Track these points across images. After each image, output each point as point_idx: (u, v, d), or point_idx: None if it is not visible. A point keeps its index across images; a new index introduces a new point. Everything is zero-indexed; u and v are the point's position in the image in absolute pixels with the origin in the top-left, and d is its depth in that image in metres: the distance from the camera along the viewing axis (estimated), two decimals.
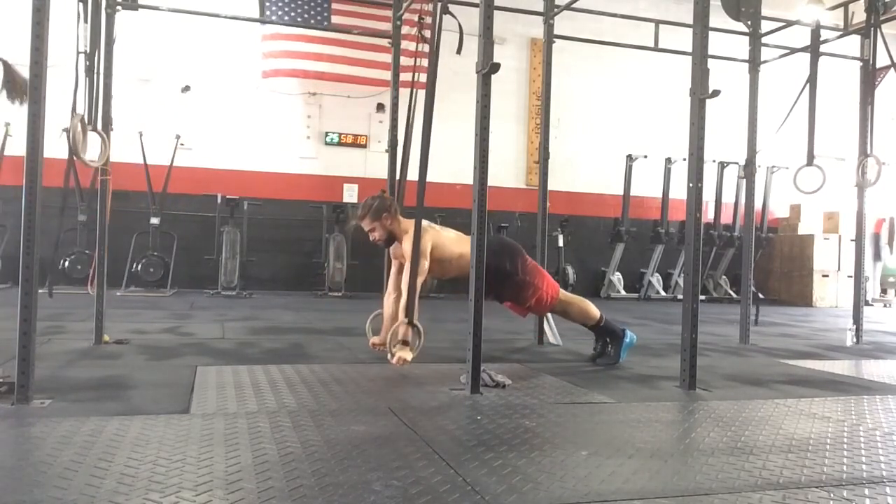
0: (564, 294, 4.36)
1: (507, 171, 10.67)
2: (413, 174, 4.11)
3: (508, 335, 5.45)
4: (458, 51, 3.82)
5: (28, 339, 2.76)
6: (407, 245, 3.88)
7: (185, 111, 9.48)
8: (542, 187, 5.32)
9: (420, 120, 3.88)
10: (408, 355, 3.80)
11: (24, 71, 2.78)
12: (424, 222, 3.96)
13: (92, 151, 3.80)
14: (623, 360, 4.29)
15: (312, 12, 9.26)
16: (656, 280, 10.82)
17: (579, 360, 4.43)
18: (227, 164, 9.68)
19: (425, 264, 3.89)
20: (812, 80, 5.63)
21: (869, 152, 5.77)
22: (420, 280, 3.84)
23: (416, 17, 4.88)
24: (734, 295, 10.75)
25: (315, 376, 3.58)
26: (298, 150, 10.09)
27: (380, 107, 10.03)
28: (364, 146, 10.29)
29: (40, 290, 2.89)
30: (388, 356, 3.84)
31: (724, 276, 11.21)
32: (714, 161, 10.57)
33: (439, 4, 3.83)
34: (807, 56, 5.80)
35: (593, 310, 4.31)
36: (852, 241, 6.37)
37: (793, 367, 4.48)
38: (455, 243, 4.08)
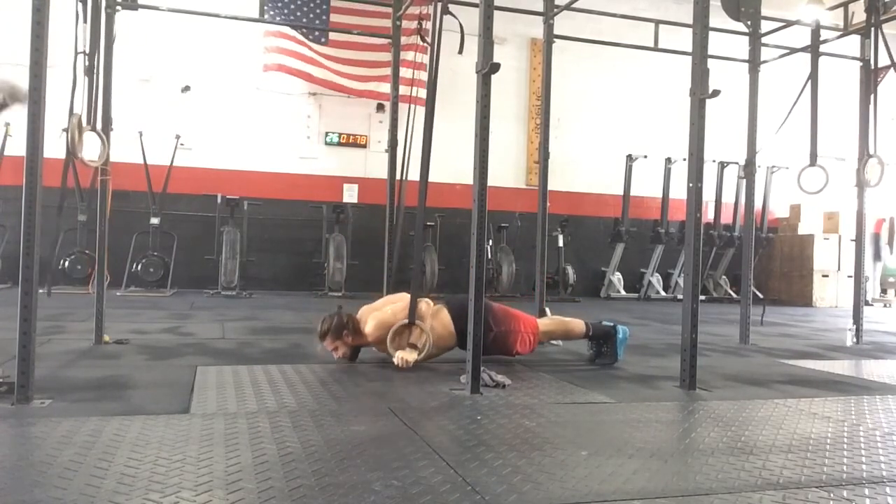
0: (543, 323, 4.31)
1: (507, 171, 10.67)
2: (413, 174, 4.09)
3: None
4: (460, 51, 3.82)
5: (28, 339, 2.76)
6: (370, 330, 3.89)
7: (185, 111, 9.48)
8: (542, 187, 5.32)
9: (421, 120, 3.87)
10: (412, 357, 3.79)
11: (25, 71, 2.77)
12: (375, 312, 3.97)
13: (91, 151, 3.80)
14: (622, 359, 4.28)
15: (311, 5, 9.25)
16: (656, 280, 10.82)
17: (579, 360, 4.43)
18: (227, 164, 9.68)
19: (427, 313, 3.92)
20: (813, 80, 5.63)
21: (871, 153, 5.76)
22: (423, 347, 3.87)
23: (416, 19, 4.87)
24: (734, 295, 10.75)
25: (315, 376, 3.58)
26: (298, 150, 10.09)
27: (380, 107, 10.03)
28: (364, 146, 10.29)
29: (40, 290, 2.89)
30: (395, 359, 3.81)
31: (724, 276, 11.21)
32: (714, 161, 10.58)
33: (439, 5, 3.82)
34: (807, 56, 5.80)
35: (577, 327, 4.30)
36: (852, 241, 6.36)
37: (793, 367, 4.47)
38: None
